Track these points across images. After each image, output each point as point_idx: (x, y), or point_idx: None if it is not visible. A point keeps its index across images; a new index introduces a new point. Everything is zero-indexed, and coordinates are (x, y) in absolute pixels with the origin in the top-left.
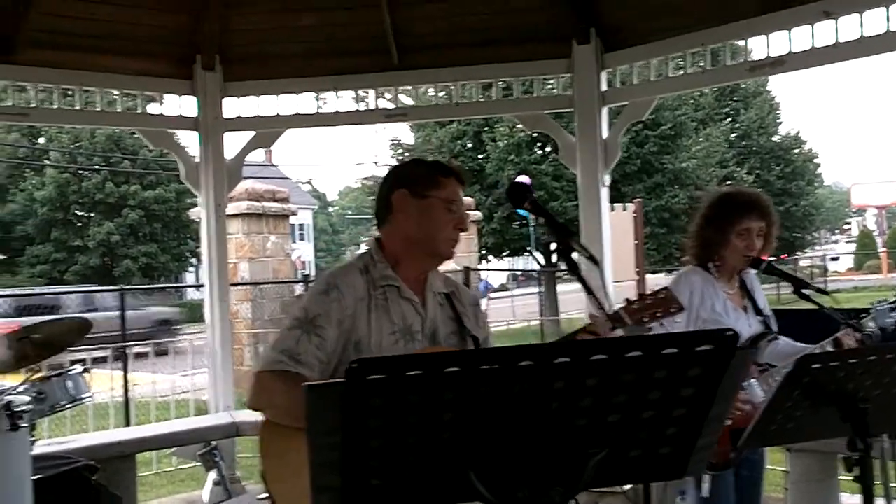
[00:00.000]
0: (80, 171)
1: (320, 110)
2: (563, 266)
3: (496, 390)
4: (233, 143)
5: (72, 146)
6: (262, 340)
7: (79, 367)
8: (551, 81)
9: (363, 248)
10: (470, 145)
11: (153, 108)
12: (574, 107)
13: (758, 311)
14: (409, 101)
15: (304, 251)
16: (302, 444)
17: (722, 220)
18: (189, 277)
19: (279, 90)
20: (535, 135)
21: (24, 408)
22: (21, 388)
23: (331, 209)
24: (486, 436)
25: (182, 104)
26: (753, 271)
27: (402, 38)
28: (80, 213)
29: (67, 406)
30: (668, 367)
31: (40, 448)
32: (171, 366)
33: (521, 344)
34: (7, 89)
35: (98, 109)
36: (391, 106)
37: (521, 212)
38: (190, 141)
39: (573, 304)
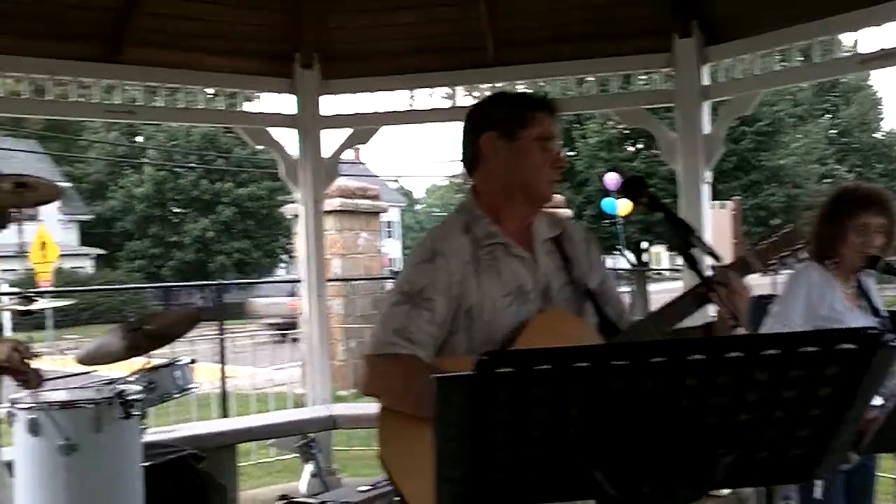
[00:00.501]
0: (177, 169)
1: (414, 107)
2: (651, 266)
3: (626, 386)
4: (328, 140)
5: (168, 144)
6: (355, 336)
7: (186, 358)
8: (647, 76)
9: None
10: (559, 142)
11: (251, 107)
12: (675, 102)
13: (874, 311)
14: None
15: (392, 249)
16: (418, 429)
17: (839, 215)
18: (280, 273)
19: (376, 87)
20: (626, 131)
21: (136, 397)
22: (133, 378)
23: (418, 207)
24: (612, 432)
25: (280, 102)
26: (870, 271)
27: (498, 34)
28: (176, 210)
29: (175, 395)
30: (805, 365)
31: (149, 436)
32: (269, 359)
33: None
34: (113, 88)
35: (200, 107)
36: None
37: (609, 210)
38: (285, 138)
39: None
